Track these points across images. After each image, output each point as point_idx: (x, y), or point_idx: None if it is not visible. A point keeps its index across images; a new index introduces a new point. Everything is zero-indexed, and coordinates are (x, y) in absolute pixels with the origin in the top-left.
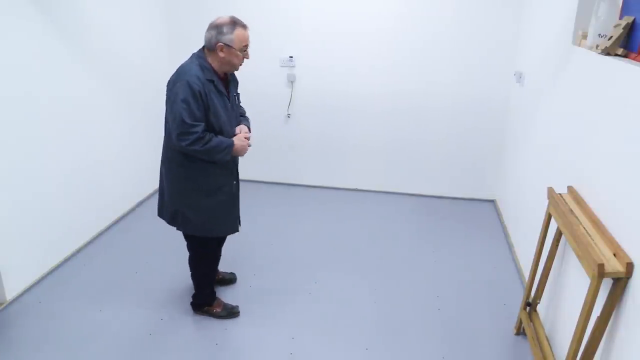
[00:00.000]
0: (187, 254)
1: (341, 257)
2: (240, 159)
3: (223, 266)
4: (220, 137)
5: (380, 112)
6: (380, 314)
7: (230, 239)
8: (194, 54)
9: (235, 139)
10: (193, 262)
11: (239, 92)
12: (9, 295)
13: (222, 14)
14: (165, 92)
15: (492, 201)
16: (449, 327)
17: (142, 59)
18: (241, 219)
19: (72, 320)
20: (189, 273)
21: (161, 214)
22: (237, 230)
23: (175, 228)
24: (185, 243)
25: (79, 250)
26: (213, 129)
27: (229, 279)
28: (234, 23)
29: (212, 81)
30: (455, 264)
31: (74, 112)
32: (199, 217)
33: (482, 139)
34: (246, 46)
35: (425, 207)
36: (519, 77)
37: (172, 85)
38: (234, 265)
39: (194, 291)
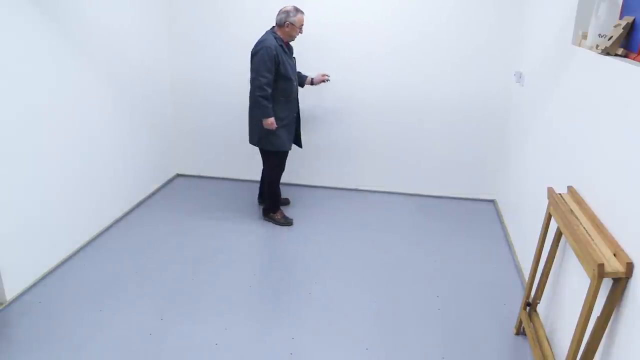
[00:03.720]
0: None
1: (341, 257)
2: (244, 155)
3: (224, 273)
4: (269, 107)
5: (380, 112)
6: (380, 314)
7: (230, 239)
8: (267, 31)
9: (271, 119)
10: (269, 176)
11: (295, 57)
12: (9, 295)
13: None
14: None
15: (492, 201)
16: (449, 327)
17: (142, 59)
18: (241, 218)
19: (72, 320)
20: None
21: (252, 141)
22: (290, 148)
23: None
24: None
25: (79, 250)
26: (282, 75)
27: (285, 200)
28: (297, 10)
29: (281, 46)
30: (455, 264)
31: (73, 112)
32: (275, 137)
33: (482, 139)
34: (302, 26)
35: (425, 207)
36: (519, 77)
37: (257, 49)
38: (234, 266)
39: (268, 202)
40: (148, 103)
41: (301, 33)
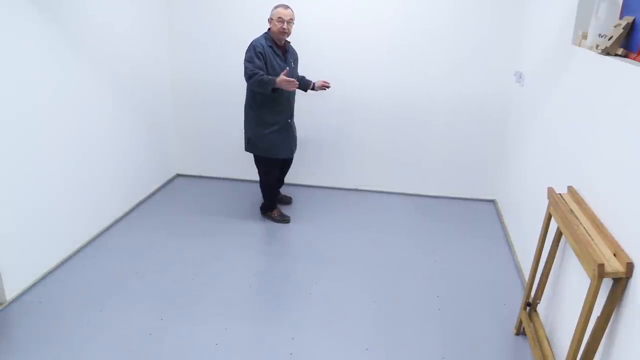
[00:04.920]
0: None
1: (341, 258)
2: (244, 155)
3: (224, 273)
4: (267, 76)
5: (380, 112)
6: (380, 314)
7: (230, 240)
8: (265, 32)
9: (278, 78)
10: (261, 180)
11: (298, 63)
12: (9, 295)
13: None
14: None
15: (492, 201)
16: (449, 327)
17: (142, 58)
18: (241, 218)
19: (72, 320)
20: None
21: (245, 147)
22: (287, 156)
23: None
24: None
25: (79, 250)
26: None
27: (287, 198)
28: (278, 5)
29: (271, 47)
30: (455, 264)
31: (73, 112)
32: (262, 142)
33: (482, 139)
34: (280, 19)
35: (425, 207)
36: (519, 77)
37: (247, 49)
38: (234, 266)
39: (263, 200)
40: (148, 103)
41: (284, 28)
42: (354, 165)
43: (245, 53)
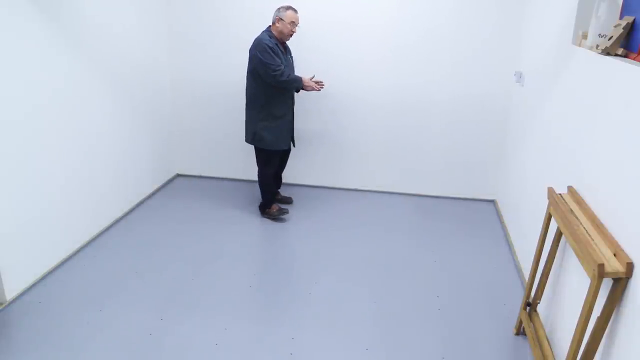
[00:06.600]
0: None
1: (341, 258)
2: (244, 155)
3: (224, 273)
4: (294, 77)
5: (380, 112)
6: (380, 314)
7: (230, 239)
8: (263, 30)
9: (304, 79)
10: (260, 173)
11: (293, 57)
12: (9, 295)
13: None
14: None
15: (492, 201)
16: (449, 327)
17: (142, 59)
18: (241, 218)
19: (72, 320)
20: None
21: (247, 138)
22: (288, 147)
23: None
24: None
25: (79, 250)
26: None
27: (287, 199)
28: (288, 7)
29: (275, 44)
30: (455, 264)
31: (73, 112)
32: (269, 135)
33: (482, 139)
34: (293, 22)
35: (425, 207)
36: (519, 77)
37: (254, 49)
38: (234, 266)
39: (261, 199)
40: (148, 103)
41: (293, 31)
42: (355, 165)
43: (259, 51)
